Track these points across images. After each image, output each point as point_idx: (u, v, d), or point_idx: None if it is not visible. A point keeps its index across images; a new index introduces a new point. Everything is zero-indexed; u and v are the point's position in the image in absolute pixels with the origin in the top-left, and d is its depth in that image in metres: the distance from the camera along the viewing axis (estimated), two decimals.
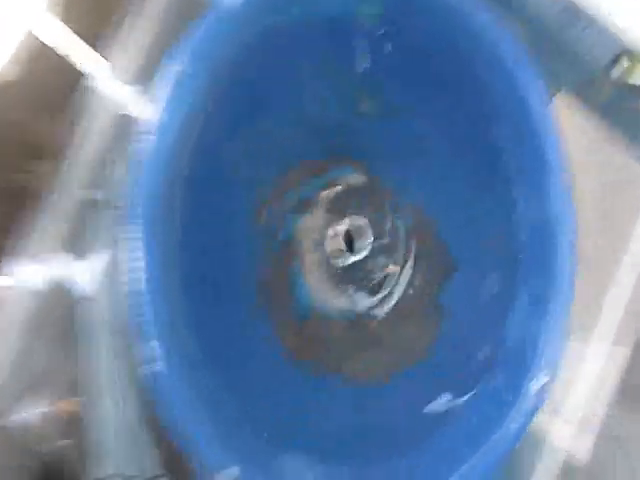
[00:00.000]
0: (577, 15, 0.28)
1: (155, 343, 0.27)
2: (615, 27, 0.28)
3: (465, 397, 0.30)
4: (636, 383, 0.35)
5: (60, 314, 0.33)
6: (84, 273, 0.33)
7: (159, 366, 0.27)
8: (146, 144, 0.29)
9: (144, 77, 0.35)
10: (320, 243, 0.36)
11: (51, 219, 0.33)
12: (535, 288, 0.29)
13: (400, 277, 0.36)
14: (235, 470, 0.27)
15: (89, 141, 0.35)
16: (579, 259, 0.29)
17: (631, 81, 0.29)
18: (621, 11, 0.27)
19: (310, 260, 0.36)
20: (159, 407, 0.27)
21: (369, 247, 0.35)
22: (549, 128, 0.28)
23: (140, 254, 0.28)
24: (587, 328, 0.35)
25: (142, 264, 0.28)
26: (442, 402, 0.31)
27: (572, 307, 0.28)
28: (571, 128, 0.34)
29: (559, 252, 0.28)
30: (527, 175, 0.30)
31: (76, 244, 0.34)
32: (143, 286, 0.28)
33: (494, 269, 0.32)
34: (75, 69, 0.36)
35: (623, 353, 0.35)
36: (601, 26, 0.28)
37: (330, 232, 0.36)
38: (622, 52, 0.29)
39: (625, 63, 0.29)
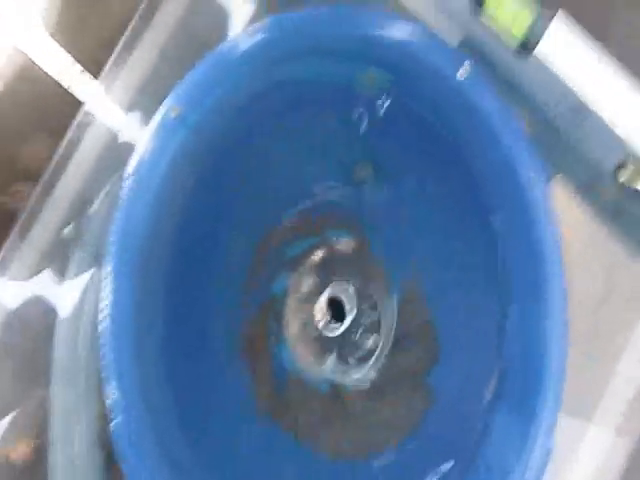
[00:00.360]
0: (585, 115, 0.28)
1: (116, 391, 0.26)
2: (621, 131, 0.27)
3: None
4: None
5: (31, 339, 0.32)
6: (62, 297, 0.32)
7: (118, 417, 0.26)
8: (133, 186, 0.28)
9: (139, 106, 0.35)
10: (304, 307, 0.35)
11: (33, 241, 0.32)
12: (520, 397, 0.27)
13: (382, 353, 0.34)
14: None
15: (77, 169, 0.34)
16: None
17: (636, 186, 0.29)
18: (627, 116, 0.27)
19: (293, 322, 0.34)
20: (119, 458, 0.26)
21: (352, 318, 0.34)
22: (548, 226, 0.27)
23: (111, 298, 0.27)
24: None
25: (109, 308, 0.27)
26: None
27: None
28: (572, 224, 0.33)
29: (548, 371, 0.26)
30: (523, 273, 0.28)
31: (57, 269, 0.33)
32: (108, 329, 0.27)
33: (481, 366, 0.29)
34: (69, 93, 0.35)
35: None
36: (607, 129, 0.27)
37: (315, 298, 0.34)
38: (628, 156, 0.29)
39: (631, 167, 0.29)
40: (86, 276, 0.32)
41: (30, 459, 0.30)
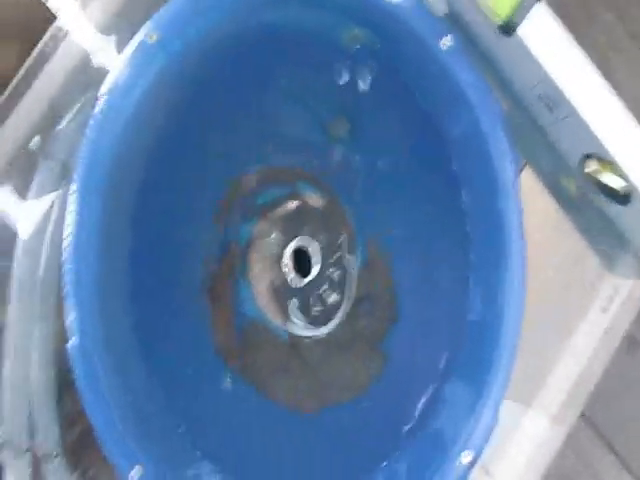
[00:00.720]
0: (557, 103, 0.29)
1: (74, 312, 0.26)
2: (591, 123, 0.29)
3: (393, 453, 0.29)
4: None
5: None
6: (26, 212, 0.31)
7: (75, 337, 0.26)
8: (106, 107, 0.27)
9: (115, 28, 0.33)
10: (270, 255, 0.35)
11: None
12: (472, 369, 0.28)
13: (343, 311, 0.35)
14: (140, 468, 0.26)
15: (47, 82, 0.32)
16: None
17: (602, 179, 0.30)
18: (598, 108, 0.28)
19: (257, 269, 0.35)
20: (77, 382, 0.26)
21: (317, 271, 0.35)
22: (512, 204, 0.27)
23: (75, 218, 0.26)
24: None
25: (74, 228, 0.26)
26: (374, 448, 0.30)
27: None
28: (536, 210, 0.35)
29: (501, 347, 0.27)
30: (486, 242, 0.29)
31: (18, 187, 0.31)
32: (71, 249, 0.26)
33: (438, 333, 0.31)
34: (43, 5, 0.33)
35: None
36: (579, 119, 0.29)
37: (282, 247, 0.35)
38: (594, 153, 0.29)
39: (597, 159, 0.29)
40: (48, 197, 0.31)
41: None
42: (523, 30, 0.28)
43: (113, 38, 0.34)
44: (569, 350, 0.36)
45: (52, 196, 0.31)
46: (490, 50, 0.32)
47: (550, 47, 0.28)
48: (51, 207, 0.30)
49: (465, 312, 0.29)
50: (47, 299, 0.30)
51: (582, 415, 0.37)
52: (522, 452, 0.36)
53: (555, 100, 0.29)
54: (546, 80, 0.28)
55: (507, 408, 0.27)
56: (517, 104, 0.33)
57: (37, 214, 0.31)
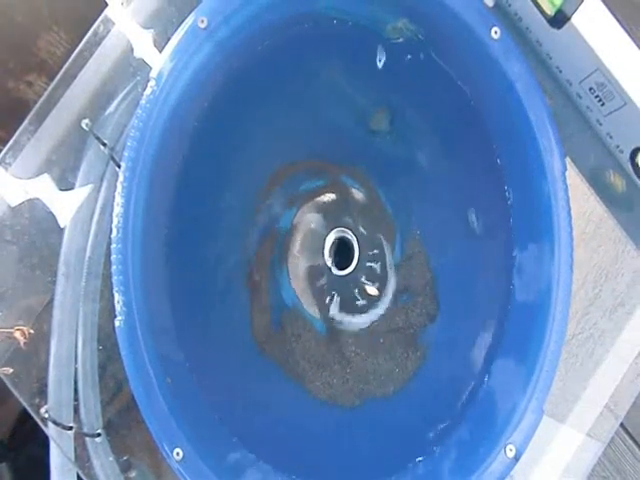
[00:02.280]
0: (609, 95, 0.29)
1: (121, 296, 0.26)
2: None
3: (435, 445, 0.29)
4: None
5: (25, 237, 0.32)
6: (63, 203, 0.32)
7: (121, 322, 0.26)
8: (157, 89, 0.28)
9: (152, 23, 0.34)
10: (309, 245, 0.35)
11: (41, 139, 0.32)
12: (519, 357, 0.27)
13: (379, 304, 0.34)
14: (180, 451, 0.26)
15: (95, 70, 0.33)
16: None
17: None
18: None
19: (297, 257, 0.35)
20: (123, 360, 0.26)
21: (355, 263, 0.34)
22: (562, 194, 0.28)
23: (124, 206, 0.27)
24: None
25: (122, 216, 0.27)
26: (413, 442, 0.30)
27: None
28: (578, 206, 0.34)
29: (547, 329, 0.26)
30: (532, 240, 0.28)
31: (61, 171, 0.32)
32: (120, 235, 0.27)
33: (480, 326, 0.30)
34: None
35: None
36: (634, 110, 0.28)
37: (323, 237, 0.35)
38: None
39: None
40: (87, 187, 0.32)
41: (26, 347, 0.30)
42: (578, 20, 0.28)
43: (151, 31, 0.34)
44: (606, 363, 0.35)
45: (89, 187, 0.31)
46: (538, 42, 0.32)
47: (606, 36, 0.27)
48: (97, 191, 0.31)
49: (508, 304, 0.29)
50: (92, 279, 0.31)
51: (621, 425, 0.36)
52: (558, 465, 0.35)
53: (609, 91, 0.28)
54: (601, 70, 0.27)
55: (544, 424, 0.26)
56: (563, 97, 0.32)
57: (76, 202, 0.32)
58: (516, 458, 0.26)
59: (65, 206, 0.32)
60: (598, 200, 0.34)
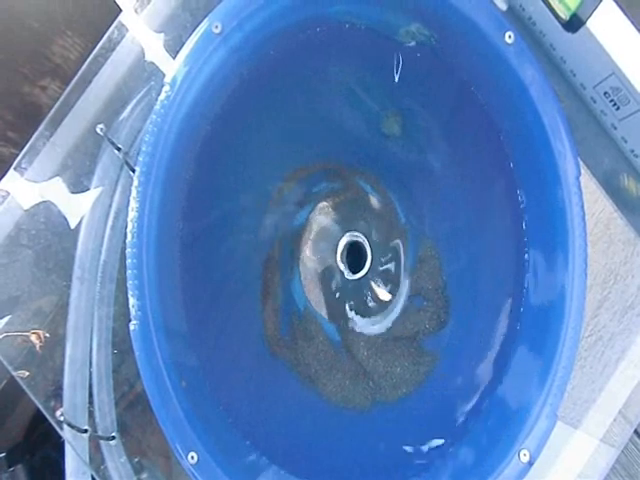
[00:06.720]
0: (628, 98, 0.29)
1: (136, 300, 0.27)
2: None
3: (448, 448, 0.29)
4: None
5: (40, 241, 0.32)
6: (74, 205, 0.32)
7: (136, 325, 0.26)
8: (172, 93, 0.28)
9: (164, 28, 0.34)
10: (321, 247, 0.35)
11: (56, 143, 0.32)
12: (532, 360, 0.27)
13: (391, 308, 0.34)
14: (195, 455, 0.26)
15: (109, 76, 0.33)
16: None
17: None
18: None
19: (309, 259, 0.35)
20: (138, 363, 0.26)
21: (368, 267, 0.34)
22: (576, 198, 0.27)
23: (139, 210, 0.27)
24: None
25: (136, 220, 0.27)
26: (422, 447, 0.29)
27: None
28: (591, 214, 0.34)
29: (562, 334, 0.26)
30: (545, 244, 0.28)
31: (76, 175, 0.32)
32: (135, 240, 0.27)
33: (492, 330, 0.30)
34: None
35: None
36: None
37: (334, 242, 0.35)
38: None
39: None
40: (97, 190, 0.32)
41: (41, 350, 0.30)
42: (593, 24, 0.28)
43: (162, 37, 0.35)
44: (616, 367, 0.35)
45: (100, 189, 0.32)
46: (551, 46, 0.31)
47: (621, 41, 0.27)
48: (112, 195, 0.31)
49: (521, 307, 0.29)
50: (107, 283, 0.31)
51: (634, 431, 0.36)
52: (571, 470, 0.34)
53: (624, 95, 0.28)
54: (617, 74, 0.27)
55: (556, 429, 0.26)
56: (577, 101, 0.32)
57: (87, 204, 0.32)
58: (530, 463, 0.26)
59: (76, 208, 0.32)
60: (607, 201, 0.34)
